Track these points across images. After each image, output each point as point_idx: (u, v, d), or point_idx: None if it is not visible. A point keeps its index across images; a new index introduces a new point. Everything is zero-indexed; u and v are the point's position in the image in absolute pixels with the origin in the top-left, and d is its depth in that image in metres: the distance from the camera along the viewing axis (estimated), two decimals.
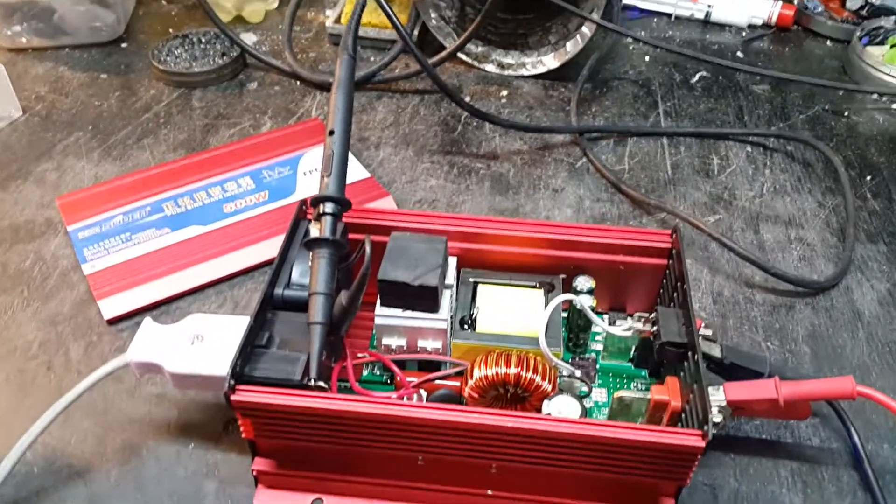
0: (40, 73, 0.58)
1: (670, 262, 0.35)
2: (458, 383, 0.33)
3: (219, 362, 0.30)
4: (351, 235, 0.35)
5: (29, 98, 0.55)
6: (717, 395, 0.31)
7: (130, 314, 0.39)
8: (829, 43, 0.62)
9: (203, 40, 0.56)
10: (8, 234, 0.44)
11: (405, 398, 0.32)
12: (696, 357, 0.30)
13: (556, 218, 0.45)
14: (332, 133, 0.34)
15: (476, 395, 0.32)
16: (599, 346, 0.37)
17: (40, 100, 0.55)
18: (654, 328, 0.32)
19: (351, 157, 0.48)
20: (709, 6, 0.63)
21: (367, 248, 0.30)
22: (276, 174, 0.46)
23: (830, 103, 0.55)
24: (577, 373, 0.33)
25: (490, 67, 0.57)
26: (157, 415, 0.35)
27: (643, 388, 0.35)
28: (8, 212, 0.46)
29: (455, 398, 0.33)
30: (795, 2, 0.63)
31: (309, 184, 0.46)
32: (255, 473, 0.32)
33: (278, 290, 0.33)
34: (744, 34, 0.63)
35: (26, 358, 0.37)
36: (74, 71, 0.58)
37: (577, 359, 0.36)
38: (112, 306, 0.39)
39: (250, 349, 0.30)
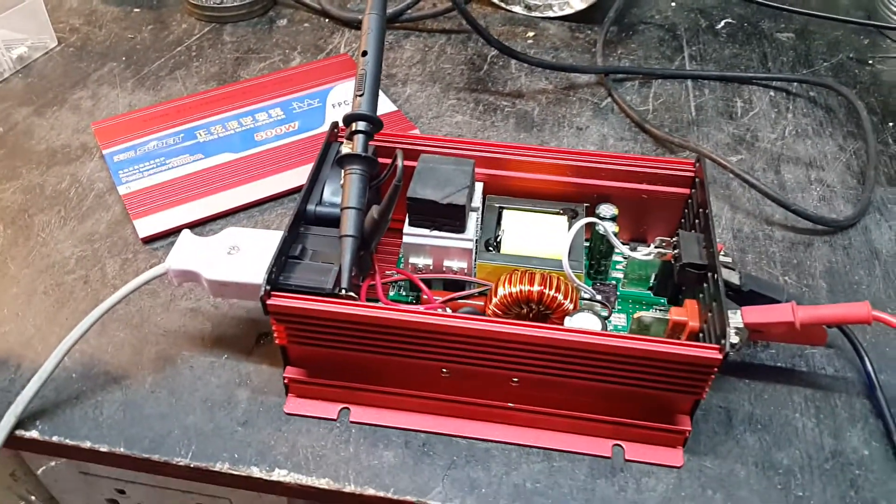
0: (74, 5, 0.58)
1: (693, 191, 0.36)
2: (482, 303, 0.34)
3: (255, 271, 0.31)
4: (380, 159, 0.36)
5: (64, 29, 0.56)
6: (735, 318, 0.32)
7: (164, 234, 0.40)
8: None
9: None
10: (45, 158, 0.45)
11: None
12: (715, 278, 0.31)
13: None
14: (364, 54, 0.35)
15: (500, 312, 0.33)
16: (620, 275, 0.38)
17: (75, 31, 0.56)
18: (675, 251, 0.33)
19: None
20: None
21: (399, 162, 0.31)
22: (306, 105, 0.47)
23: (855, 51, 0.54)
24: (598, 296, 0.34)
25: (517, 8, 0.57)
26: (191, 327, 0.36)
27: (661, 311, 0.36)
28: (45, 136, 0.47)
29: (479, 315, 0.34)
30: None
31: (337, 116, 0.46)
32: (285, 381, 0.33)
33: (311, 207, 0.34)
34: None
35: (64, 272, 0.39)
36: (108, 4, 0.59)
37: (598, 284, 0.37)
38: (147, 225, 0.40)
39: (285, 260, 0.32)
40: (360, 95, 0.34)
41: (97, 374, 0.34)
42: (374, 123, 0.34)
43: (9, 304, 0.37)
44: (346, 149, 0.34)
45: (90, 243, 0.40)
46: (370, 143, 0.35)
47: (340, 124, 0.36)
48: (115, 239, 0.40)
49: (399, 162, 0.31)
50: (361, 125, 0.33)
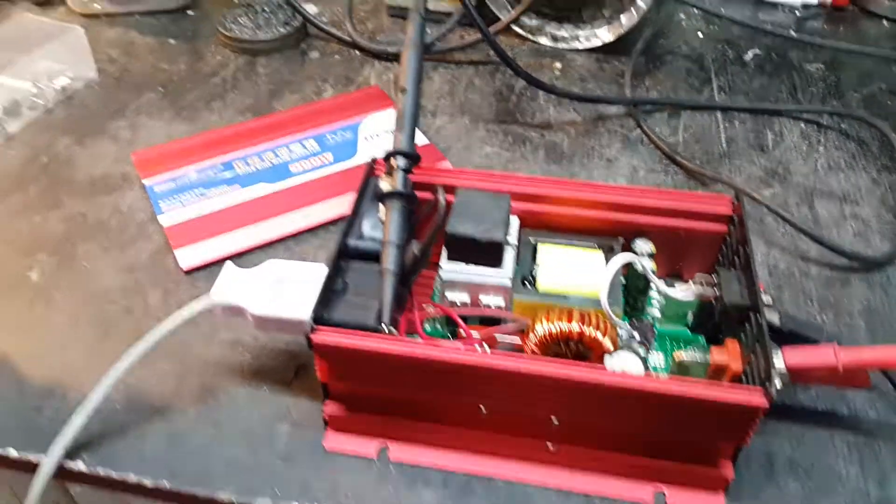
0: (112, 37, 0.60)
1: (731, 228, 0.36)
2: (519, 339, 0.35)
3: (299, 305, 0.32)
4: (416, 192, 0.37)
5: (103, 60, 0.57)
6: (776, 360, 0.31)
7: (205, 265, 0.41)
8: (885, 23, 0.61)
9: (266, 9, 0.58)
10: (86, 187, 0.46)
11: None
12: (758, 319, 0.30)
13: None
14: (403, 91, 0.35)
15: (538, 351, 0.33)
16: (656, 312, 0.38)
17: (113, 62, 0.57)
18: (716, 290, 0.33)
19: None
20: None
21: (441, 199, 0.31)
22: (339, 137, 0.48)
23: (886, 83, 0.55)
24: (636, 334, 0.34)
25: (544, 40, 0.57)
26: (231, 359, 0.37)
27: (701, 352, 0.36)
28: (86, 166, 0.48)
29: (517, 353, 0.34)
30: None
31: (369, 147, 0.47)
32: (325, 417, 0.34)
33: (351, 241, 0.35)
34: (797, 13, 0.62)
35: (107, 302, 0.40)
36: (144, 36, 0.60)
37: (634, 321, 0.37)
38: (189, 256, 0.41)
39: (328, 294, 0.32)
40: (400, 132, 0.34)
41: (141, 406, 0.35)
42: (413, 159, 0.34)
43: (54, 333, 0.38)
44: (385, 184, 0.35)
45: (132, 273, 0.41)
46: (411, 174, 0.35)
47: (378, 158, 0.36)
48: (156, 269, 0.41)
49: (441, 199, 0.31)
50: (401, 161, 0.34)
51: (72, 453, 0.33)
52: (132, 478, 0.32)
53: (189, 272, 0.41)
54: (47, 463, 0.32)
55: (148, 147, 0.49)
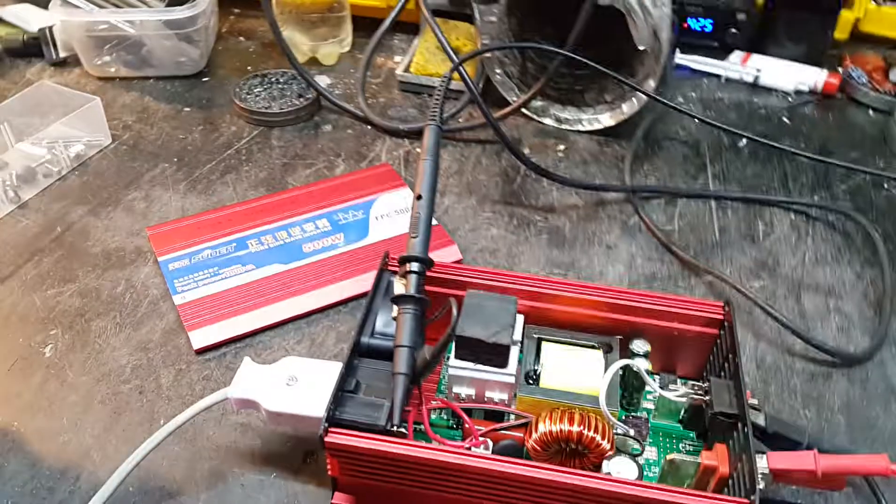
0: (127, 102, 0.62)
1: (721, 332, 0.38)
2: (521, 434, 0.36)
3: (312, 403, 0.33)
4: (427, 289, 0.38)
5: (117, 127, 0.59)
6: (761, 463, 0.34)
7: (217, 345, 0.43)
8: (871, 112, 0.64)
9: (281, 80, 0.60)
10: (100, 260, 0.48)
11: (480, 448, 0.35)
12: (745, 428, 0.33)
13: (610, 274, 0.48)
14: (419, 198, 0.37)
15: (539, 448, 0.35)
16: (650, 405, 0.40)
17: (128, 129, 0.59)
18: (707, 397, 0.35)
19: None
20: (757, 70, 0.65)
21: (454, 310, 0.33)
22: (351, 217, 0.50)
23: (871, 175, 0.57)
24: (632, 432, 0.36)
25: (548, 121, 0.60)
26: (241, 444, 0.38)
27: (691, 448, 0.38)
28: (100, 238, 0.49)
29: (518, 448, 0.36)
30: (841, 71, 0.66)
31: (380, 228, 0.49)
32: None
33: (364, 339, 0.36)
34: (790, 99, 0.65)
35: (120, 381, 0.41)
36: (159, 102, 0.62)
37: (630, 416, 0.39)
38: (201, 337, 0.42)
39: (341, 394, 0.34)
40: (415, 238, 0.36)
41: (153, 489, 0.36)
42: (427, 264, 0.36)
43: (67, 412, 0.39)
44: (399, 286, 0.36)
45: (145, 352, 0.42)
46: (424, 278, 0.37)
47: (397, 261, 0.38)
48: (169, 349, 0.42)
49: (454, 311, 0.33)
50: (415, 266, 0.36)
51: None
52: None
53: (200, 352, 0.42)
54: None
55: (161, 220, 0.50)
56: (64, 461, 0.37)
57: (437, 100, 0.40)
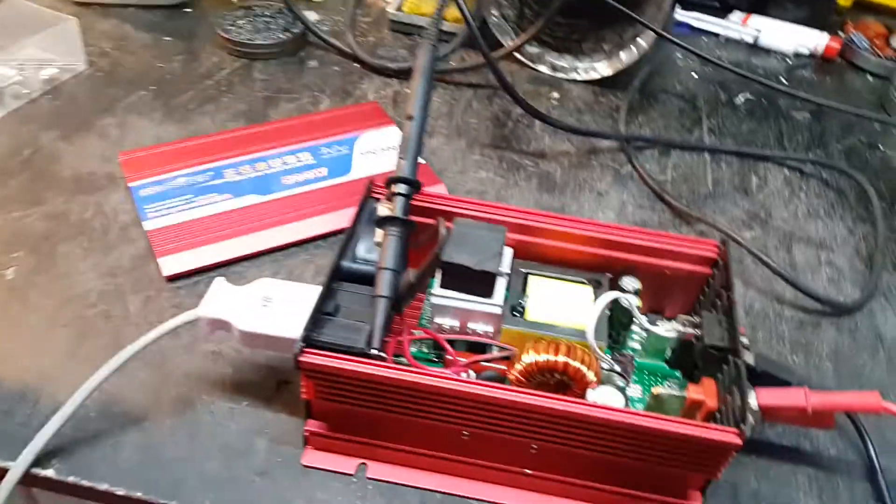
0: (105, 28, 0.59)
1: (714, 271, 0.37)
2: (504, 367, 0.35)
3: (288, 324, 0.32)
4: (412, 217, 0.37)
5: (94, 53, 0.56)
6: (749, 400, 0.33)
7: (188, 273, 0.41)
8: (870, 78, 0.64)
9: (267, 13, 0.58)
10: (70, 184, 0.45)
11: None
12: (737, 361, 0.31)
13: (600, 220, 0.47)
14: (410, 118, 0.35)
15: (523, 380, 0.34)
16: (636, 345, 0.39)
17: (105, 56, 0.56)
18: (698, 331, 0.34)
19: None
20: (757, 30, 0.64)
21: (443, 231, 0.31)
22: (335, 152, 0.48)
23: (867, 136, 0.57)
24: (617, 367, 0.35)
25: (543, 69, 0.58)
26: (212, 371, 0.36)
27: (677, 387, 0.37)
28: (70, 162, 0.47)
29: (501, 381, 0.35)
30: (842, 35, 0.65)
31: (364, 164, 0.47)
32: (306, 434, 0.34)
33: (345, 263, 0.34)
34: (789, 61, 0.64)
35: (86, 305, 0.39)
36: (139, 30, 0.59)
37: (616, 354, 0.38)
38: (171, 264, 0.40)
39: (318, 316, 0.32)
40: (403, 159, 0.34)
41: (116, 414, 0.34)
42: (415, 186, 0.35)
43: (29, 335, 0.37)
44: (385, 209, 0.35)
45: (113, 277, 0.40)
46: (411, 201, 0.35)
47: (376, 180, 0.36)
48: (138, 275, 0.40)
49: (443, 230, 0.31)
50: (402, 188, 0.34)
51: (42, 460, 0.32)
52: (104, 486, 0.32)
53: (171, 279, 0.40)
54: (16, 469, 0.31)
55: (136, 147, 0.48)
56: (23, 384, 0.35)
57: (434, 18, 0.38)
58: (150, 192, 0.44)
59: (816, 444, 0.36)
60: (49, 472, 0.32)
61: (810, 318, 0.42)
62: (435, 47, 0.37)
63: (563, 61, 0.58)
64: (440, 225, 0.32)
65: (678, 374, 0.38)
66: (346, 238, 0.35)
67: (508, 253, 0.37)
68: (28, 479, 0.32)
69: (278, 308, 0.33)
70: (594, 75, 0.57)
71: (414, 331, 0.36)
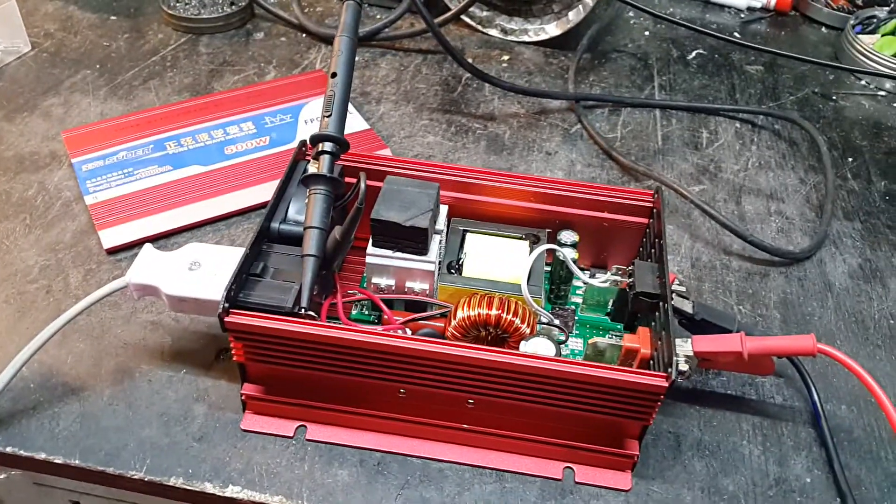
0: (50, 10, 0.58)
1: (651, 220, 0.37)
2: (441, 324, 0.35)
3: (214, 287, 0.31)
4: (347, 179, 0.37)
5: (38, 35, 0.56)
6: (685, 346, 0.33)
7: (129, 245, 0.40)
8: (823, 29, 0.63)
9: None
10: (12, 164, 0.45)
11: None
12: (666, 307, 0.31)
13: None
14: (334, 75, 0.35)
15: (458, 335, 0.33)
16: (579, 300, 0.38)
17: (49, 37, 0.56)
18: (631, 279, 0.34)
19: (351, 108, 0.49)
20: None
21: (362, 184, 0.31)
22: (278, 121, 0.47)
23: (820, 86, 0.56)
24: (556, 321, 0.35)
25: (493, 32, 0.58)
26: (151, 341, 0.36)
27: (617, 338, 0.37)
28: (13, 143, 0.47)
29: (438, 338, 0.35)
30: None
31: (310, 132, 0.47)
32: (243, 398, 0.34)
33: (274, 224, 0.34)
34: (742, 16, 0.64)
35: (26, 281, 0.39)
36: (84, 11, 0.59)
37: (558, 309, 0.38)
38: (112, 236, 0.40)
39: (245, 277, 0.32)
40: (328, 116, 0.34)
41: (55, 385, 0.34)
42: (341, 144, 0.34)
43: None
44: (312, 168, 0.34)
45: (54, 252, 0.40)
46: (337, 162, 0.35)
47: (308, 143, 0.36)
48: (79, 249, 0.40)
49: (362, 184, 0.31)
50: (328, 146, 0.34)
51: None
52: (41, 456, 0.32)
53: (112, 252, 0.40)
54: None
55: (80, 125, 0.47)
56: None
57: None
58: (91, 167, 0.44)
59: (761, 392, 0.36)
60: None
61: (759, 268, 0.42)
62: (358, 4, 0.36)
63: (514, 24, 0.57)
64: (360, 180, 0.31)
65: (620, 326, 0.38)
66: (274, 199, 0.34)
67: (444, 210, 0.37)
68: None
69: (206, 272, 0.33)
70: (544, 36, 0.57)
71: (350, 291, 0.36)
